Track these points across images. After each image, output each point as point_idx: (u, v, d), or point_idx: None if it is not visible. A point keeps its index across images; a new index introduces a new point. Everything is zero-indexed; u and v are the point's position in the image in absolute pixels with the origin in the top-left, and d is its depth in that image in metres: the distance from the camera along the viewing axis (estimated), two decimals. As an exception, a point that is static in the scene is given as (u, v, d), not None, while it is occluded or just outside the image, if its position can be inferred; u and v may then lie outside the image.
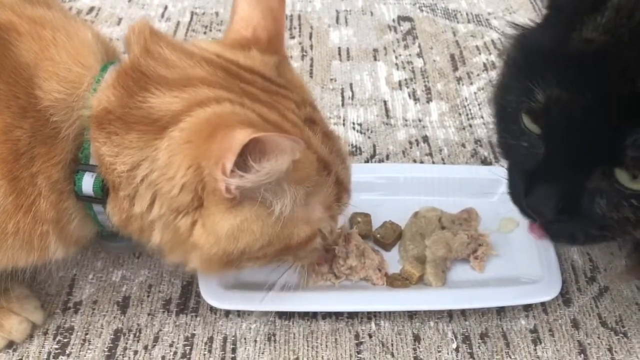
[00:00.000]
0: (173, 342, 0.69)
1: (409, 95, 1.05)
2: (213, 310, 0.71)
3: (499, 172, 0.85)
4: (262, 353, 0.68)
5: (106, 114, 0.52)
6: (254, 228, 0.53)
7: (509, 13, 1.25)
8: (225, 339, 0.69)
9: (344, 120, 0.99)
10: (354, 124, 0.98)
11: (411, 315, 0.72)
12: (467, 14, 1.25)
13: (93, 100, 0.52)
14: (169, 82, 0.52)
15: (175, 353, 0.68)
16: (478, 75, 1.09)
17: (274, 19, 0.58)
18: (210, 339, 0.69)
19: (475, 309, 0.73)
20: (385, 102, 1.03)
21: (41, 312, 0.69)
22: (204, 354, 0.68)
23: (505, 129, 0.57)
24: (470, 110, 1.02)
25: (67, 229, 0.57)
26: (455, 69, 1.11)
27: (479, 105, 1.03)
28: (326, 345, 0.69)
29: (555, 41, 0.51)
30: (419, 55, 1.14)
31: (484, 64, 1.12)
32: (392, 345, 0.69)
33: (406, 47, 1.16)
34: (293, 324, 0.71)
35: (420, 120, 1.00)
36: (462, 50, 1.15)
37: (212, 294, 0.69)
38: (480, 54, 1.14)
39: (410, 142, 0.95)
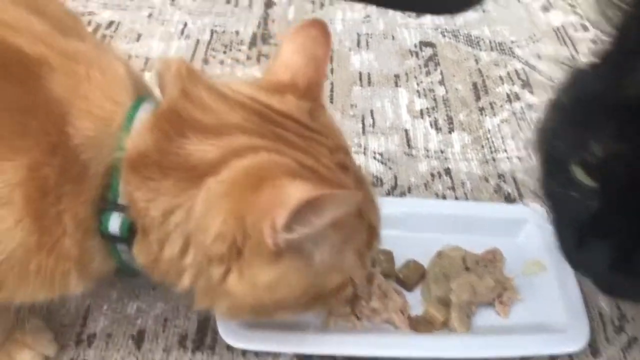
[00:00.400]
0: (189, 381, 0.67)
1: (431, 125, 1.03)
2: (230, 348, 0.69)
3: (524, 211, 0.84)
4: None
5: (142, 157, 0.51)
6: (293, 279, 0.52)
7: (532, 42, 1.24)
8: (242, 379, 0.67)
9: (364, 149, 0.97)
10: (375, 153, 0.96)
11: (434, 360, 0.70)
12: (490, 42, 1.24)
13: (127, 142, 0.51)
14: (206, 128, 0.50)
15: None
16: (501, 106, 1.07)
17: (316, 68, 0.57)
18: (227, 379, 0.67)
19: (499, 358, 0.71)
20: (406, 131, 1.01)
21: (54, 345, 0.67)
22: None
23: (551, 177, 0.55)
24: (493, 142, 1.00)
25: (90, 267, 0.56)
26: (478, 98, 1.09)
27: (502, 138, 1.01)
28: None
29: (614, 88, 0.48)
30: (441, 83, 1.12)
31: (507, 95, 1.10)
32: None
33: (428, 73, 1.14)
34: (309, 367, 0.69)
35: (442, 152, 0.98)
36: (484, 79, 1.13)
37: (230, 332, 0.67)
38: (503, 83, 1.13)
39: (432, 175, 0.93)
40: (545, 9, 1.34)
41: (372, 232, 0.58)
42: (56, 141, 0.49)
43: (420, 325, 0.71)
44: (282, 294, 0.53)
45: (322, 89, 0.58)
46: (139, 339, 0.70)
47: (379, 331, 0.71)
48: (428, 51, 1.20)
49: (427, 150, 0.98)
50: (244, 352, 0.69)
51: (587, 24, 1.28)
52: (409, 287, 0.75)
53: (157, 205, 0.51)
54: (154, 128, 0.50)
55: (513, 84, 1.12)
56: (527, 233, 0.82)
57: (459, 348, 0.69)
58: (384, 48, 1.20)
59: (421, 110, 1.06)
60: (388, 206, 0.82)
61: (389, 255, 0.77)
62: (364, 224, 0.57)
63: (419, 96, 1.09)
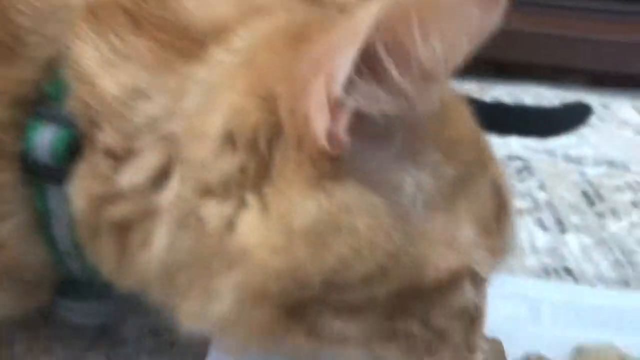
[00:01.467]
0: None
1: (535, 224, 0.77)
2: None
3: None
4: None
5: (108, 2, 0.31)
6: (360, 226, 0.28)
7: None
8: None
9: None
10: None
11: None
12: (594, 159, 1.01)
13: None
14: None
15: None
16: (626, 210, 0.81)
17: None
18: None
19: None
20: (502, 227, 0.75)
21: None
22: None
23: None
24: (625, 245, 0.72)
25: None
26: (592, 204, 0.83)
27: (637, 240, 0.73)
28: None
29: None
30: (541, 188, 0.88)
31: (632, 202, 0.84)
32: None
33: (522, 180, 0.91)
34: None
35: (555, 249, 0.70)
36: (597, 189, 0.88)
37: None
38: (623, 192, 0.87)
39: (547, 271, 0.65)
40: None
41: (499, 198, 0.34)
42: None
43: None
44: (339, 256, 0.28)
45: None
46: None
47: None
48: (518, 163, 0.98)
49: (535, 247, 0.71)
50: None
51: None
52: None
53: (120, 78, 0.30)
54: None
55: (636, 193, 0.87)
56: None
57: None
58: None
59: (520, 209, 0.80)
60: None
61: (496, 345, 0.48)
62: (487, 177, 0.33)
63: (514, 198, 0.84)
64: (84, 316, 0.42)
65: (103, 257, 0.33)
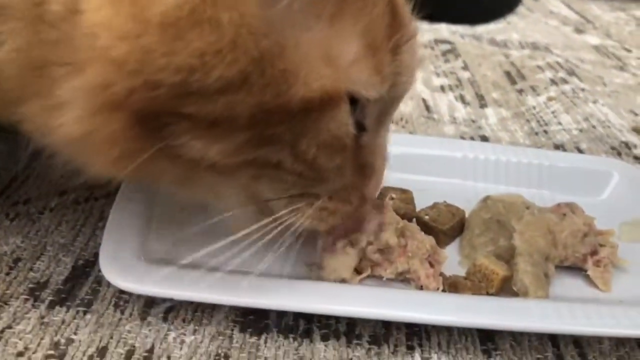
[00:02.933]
0: (28, 347, 0.35)
1: (456, 99, 0.77)
2: (119, 307, 0.38)
3: (610, 163, 0.56)
4: (200, 385, 0.34)
5: None
6: (224, 21, 0.25)
7: (570, 49, 1.01)
8: (131, 353, 0.35)
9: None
10: (381, 112, 0.69)
11: (488, 350, 0.39)
12: (519, 43, 1.01)
13: None
14: None
15: (23, 368, 0.34)
16: (546, 88, 0.82)
17: None
18: (102, 351, 0.35)
19: (604, 347, 0.39)
20: (424, 100, 0.75)
21: None
22: (81, 374, 0.34)
23: None
24: (542, 117, 0.73)
25: None
26: (514, 82, 0.84)
27: (553, 113, 0.74)
28: (328, 385, 0.35)
29: None
30: (465, 68, 0.88)
31: (552, 80, 0.85)
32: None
33: (447, 61, 0.90)
34: (266, 342, 0.37)
35: (474, 121, 0.71)
36: (519, 69, 0.89)
37: (124, 268, 0.37)
38: (544, 71, 0.88)
39: (464, 139, 0.66)
40: (580, 31, 1.13)
41: (395, 15, 0.31)
42: None
43: (463, 285, 0.40)
44: (197, 53, 0.25)
45: None
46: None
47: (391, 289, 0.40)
48: (444, 46, 0.97)
49: (454, 118, 0.71)
50: (144, 315, 0.38)
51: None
52: (439, 239, 0.45)
53: None
54: None
55: (557, 72, 0.88)
56: (614, 189, 0.53)
57: (531, 314, 0.38)
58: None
59: (442, 86, 0.80)
60: (411, 144, 0.56)
61: (406, 194, 0.48)
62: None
63: (438, 76, 0.84)
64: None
65: None
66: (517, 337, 0.39)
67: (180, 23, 0.24)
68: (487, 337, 0.39)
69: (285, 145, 0.29)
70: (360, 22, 0.29)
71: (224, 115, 0.27)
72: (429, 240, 0.41)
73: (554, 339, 0.40)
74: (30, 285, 0.39)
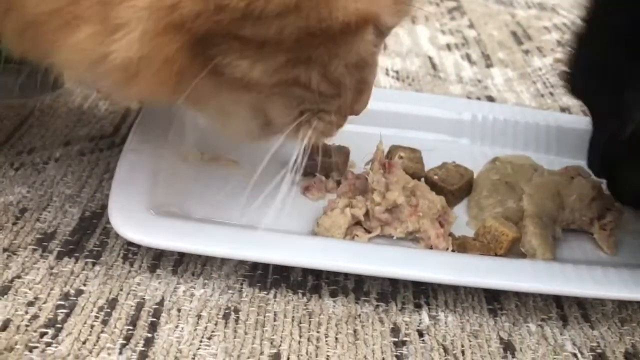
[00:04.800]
0: (38, 297, 0.35)
1: (462, 58, 0.76)
2: (127, 259, 0.38)
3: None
4: (209, 338, 0.34)
5: None
6: None
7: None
8: (141, 306, 0.35)
9: (372, 68, 0.69)
10: (388, 70, 0.69)
11: (494, 310, 0.39)
12: (525, 2, 1.00)
13: None
14: None
15: (35, 317, 0.34)
16: (552, 49, 0.81)
17: None
18: (112, 302, 0.35)
19: (607, 309, 0.40)
20: (430, 58, 0.74)
21: None
22: (92, 325, 0.34)
23: None
24: (548, 79, 0.73)
25: None
26: (520, 43, 0.83)
27: (559, 75, 0.74)
28: (336, 341, 0.35)
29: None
30: (471, 27, 0.86)
31: (558, 42, 0.84)
32: (461, 354, 0.36)
33: (453, 19, 0.89)
34: (276, 297, 0.37)
35: (480, 81, 0.70)
36: (525, 29, 0.88)
37: (133, 220, 0.37)
38: (550, 32, 0.87)
39: (470, 99, 0.65)
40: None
41: None
42: None
43: (472, 246, 0.40)
44: None
45: None
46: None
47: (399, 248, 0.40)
48: (450, 3, 0.95)
49: (460, 77, 0.70)
50: (154, 268, 0.38)
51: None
52: (447, 199, 0.45)
53: None
54: None
55: (564, 34, 0.87)
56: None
57: (538, 275, 0.38)
58: None
59: (448, 45, 0.79)
60: (418, 102, 0.55)
61: (415, 153, 0.48)
62: None
63: (444, 34, 0.83)
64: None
65: None
66: (522, 298, 0.40)
67: None
68: (493, 297, 0.40)
69: (318, 65, 0.31)
70: None
71: (274, 38, 0.28)
72: (440, 200, 0.42)
73: (558, 300, 0.40)
74: (38, 236, 0.39)
